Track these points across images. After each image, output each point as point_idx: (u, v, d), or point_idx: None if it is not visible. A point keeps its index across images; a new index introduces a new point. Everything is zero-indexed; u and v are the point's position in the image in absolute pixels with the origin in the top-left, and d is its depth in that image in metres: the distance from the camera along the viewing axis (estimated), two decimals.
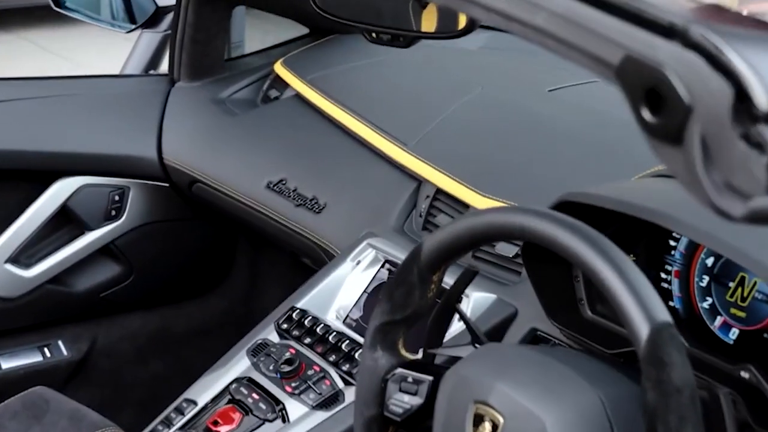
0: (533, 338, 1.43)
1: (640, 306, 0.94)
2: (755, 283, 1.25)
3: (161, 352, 2.34)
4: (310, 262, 2.02)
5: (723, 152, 0.60)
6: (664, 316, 0.94)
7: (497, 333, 1.44)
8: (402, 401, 1.19)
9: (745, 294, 1.26)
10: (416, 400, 1.18)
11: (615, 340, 1.34)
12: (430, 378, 1.18)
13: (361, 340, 1.54)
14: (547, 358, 1.09)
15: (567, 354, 1.14)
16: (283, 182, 1.91)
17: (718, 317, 1.28)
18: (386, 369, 1.21)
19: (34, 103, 2.11)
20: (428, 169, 1.72)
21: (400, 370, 1.20)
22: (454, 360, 1.25)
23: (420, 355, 1.24)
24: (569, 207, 1.27)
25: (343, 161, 1.90)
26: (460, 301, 1.25)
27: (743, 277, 1.26)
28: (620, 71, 0.65)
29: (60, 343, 2.20)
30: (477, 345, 1.26)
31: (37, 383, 2.05)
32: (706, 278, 1.30)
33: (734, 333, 1.26)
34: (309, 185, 1.88)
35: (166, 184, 2.17)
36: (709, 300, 1.30)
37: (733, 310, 1.27)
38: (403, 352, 1.23)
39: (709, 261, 1.30)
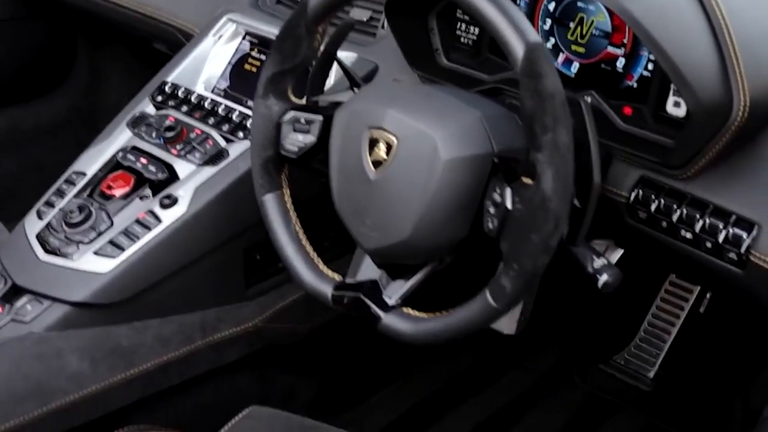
0: None
1: (516, 29, 1.10)
2: (593, 22, 1.43)
3: (12, 150, 2.38)
4: (164, 47, 2.09)
5: None
6: (536, 37, 1.10)
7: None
8: (296, 140, 1.33)
9: (584, 32, 1.44)
10: (309, 138, 1.32)
11: (470, 82, 1.50)
12: (321, 117, 1.32)
13: (233, 105, 1.65)
14: (431, 89, 1.25)
15: (448, 88, 1.29)
16: None
17: (561, 54, 1.46)
18: (279, 113, 1.34)
19: None
20: None
21: (292, 113, 1.34)
22: (337, 105, 1.39)
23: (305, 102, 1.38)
24: None
25: None
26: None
27: (582, 18, 1.44)
28: None
29: None
30: (355, 89, 1.40)
31: None
32: (549, 21, 1.47)
33: (575, 67, 1.44)
34: None
35: None
36: (552, 40, 1.47)
37: (573, 47, 1.45)
38: (293, 98, 1.36)
39: (551, 6, 1.46)
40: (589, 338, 2.16)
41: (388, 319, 1.25)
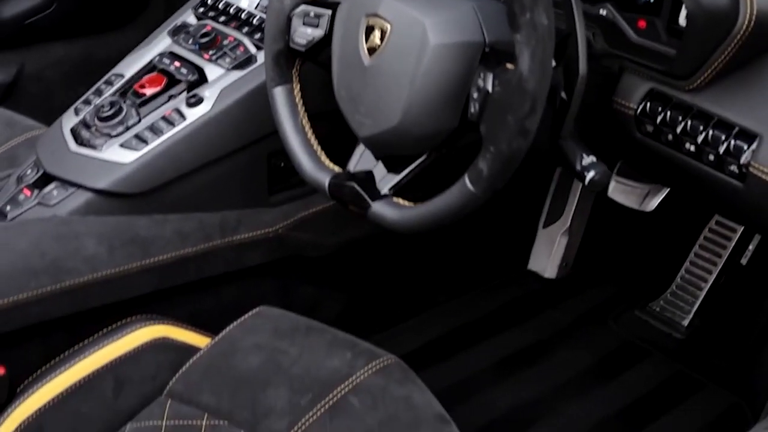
0: None
1: None
2: None
3: (86, 78, 2.46)
4: None
5: None
6: None
7: None
8: (305, 33, 1.36)
9: None
10: (318, 32, 1.35)
11: None
12: (329, 11, 1.35)
13: None
14: None
15: None
16: None
17: None
18: (291, 7, 1.37)
19: None
20: None
21: (303, 6, 1.37)
22: None
23: None
24: None
25: None
26: None
27: None
28: None
29: None
30: None
31: None
32: None
33: None
34: None
35: None
36: None
37: None
38: None
39: None
40: (627, 284, 2.14)
41: (377, 207, 1.27)
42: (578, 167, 1.22)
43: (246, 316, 1.50)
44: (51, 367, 1.42)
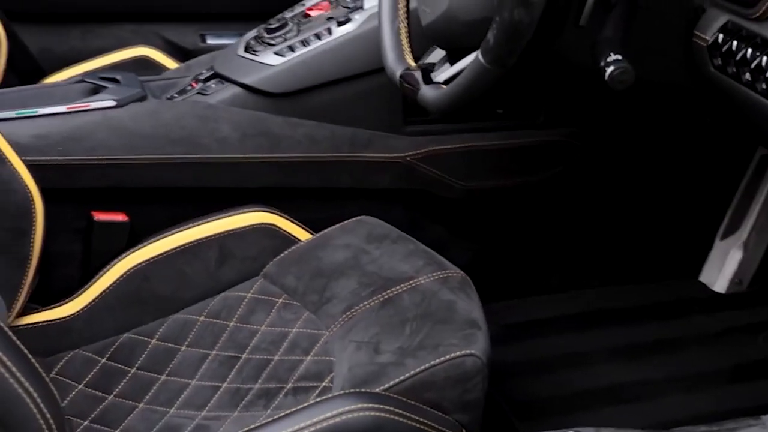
0: None
1: None
2: None
3: None
4: None
5: None
6: None
7: None
8: None
9: None
10: None
11: None
12: None
13: None
14: None
15: None
16: None
17: None
18: None
19: None
20: None
21: None
22: None
23: None
24: None
25: None
26: None
27: None
28: None
29: None
30: None
31: None
32: None
33: None
34: None
35: None
36: None
37: None
38: None
39: None
40: None
41: (424, 90, 1.38)
42: (602, 62, 1.25)
43: (349, 220, 1.62)
44: (168, 229, 1.62)
